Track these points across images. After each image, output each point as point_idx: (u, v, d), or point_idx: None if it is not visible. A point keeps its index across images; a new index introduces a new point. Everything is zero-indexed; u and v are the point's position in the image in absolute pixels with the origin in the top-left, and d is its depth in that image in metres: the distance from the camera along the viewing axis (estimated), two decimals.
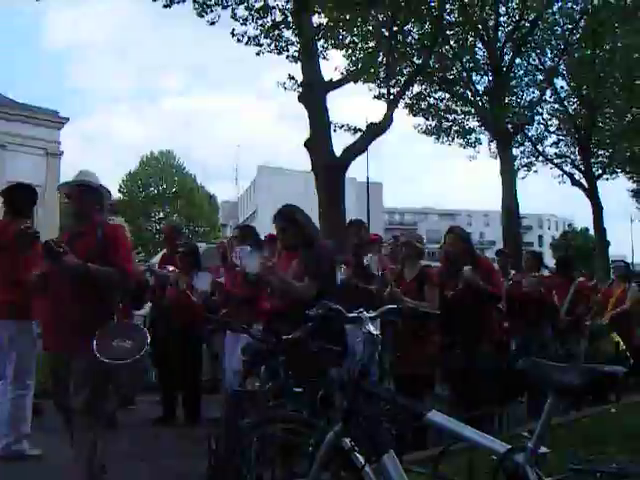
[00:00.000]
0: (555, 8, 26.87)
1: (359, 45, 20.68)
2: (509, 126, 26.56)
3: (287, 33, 18.25)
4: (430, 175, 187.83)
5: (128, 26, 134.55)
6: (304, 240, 6.20)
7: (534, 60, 29.10)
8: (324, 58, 18.67)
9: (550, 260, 35.03)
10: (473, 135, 29.48)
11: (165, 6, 16.90)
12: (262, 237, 9.28)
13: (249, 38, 18.29)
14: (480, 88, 27.18)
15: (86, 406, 5.08)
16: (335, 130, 17.96)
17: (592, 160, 32.39)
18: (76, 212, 5.53)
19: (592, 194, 31.31)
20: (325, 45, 19.02)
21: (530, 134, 31.04)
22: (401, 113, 28.21)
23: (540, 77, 29.22)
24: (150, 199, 65.45)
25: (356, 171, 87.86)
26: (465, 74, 26.70)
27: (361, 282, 8.07)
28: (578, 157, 32.41)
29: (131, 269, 5.76)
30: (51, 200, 30.86)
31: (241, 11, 17.87)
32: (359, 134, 17.92)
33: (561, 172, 32.67)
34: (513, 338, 10.13)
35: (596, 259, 32.74)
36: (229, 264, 8.45)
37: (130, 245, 6.25)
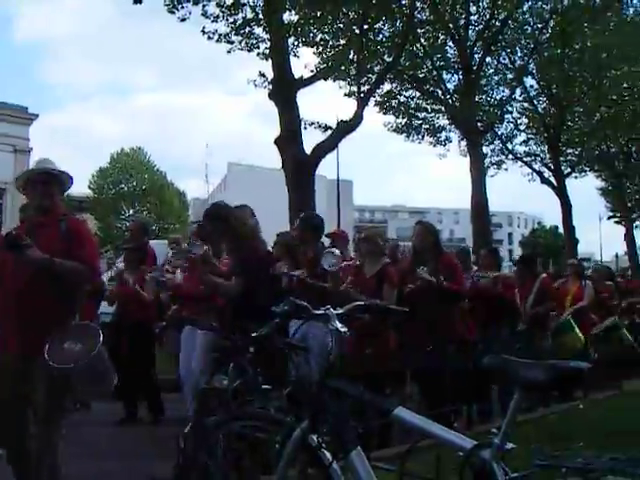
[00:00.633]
0: (525, 7, 27.13)
1: (330, 42, 20.71)
2: (479, 124, 26.73)
3: (258, 30, 18.26)
4: (400, 173, 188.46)
5: (99, 21, 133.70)
6: (233, 240, 6.18)
7: (504, 59, 29.33)
8: (295, 55, 18.67)
9: None
10: (443, 133, 29.72)
11: (136, 2, 16.77)
12: None
13: (220, 36, 18.24)
14: (450, 86, 27.40)
15: (44, 413, 4.76)
16: (305, 127, 17.94)
17: (561, 158, 32.65)
18: (38, 201, 5.10)
19: (561, 192, 31.53)
20: (296, 42, 18.97)
21: (500, 132, 31.27)
22: (371, 111, 28.30)
23: (510, 76, 29.45)
24: (120, 196, 65.03)
25: (326, 169, 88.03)
26: (435, 72, 26.83)
27: (315, 279, 7.86)
28: (547, 155, 32.66)
29: (97, 265, 5.41)
30: (20, 197, 30.50)
31: (212, 8, 17.86)
32: (329, 132, 17.92)
33: (530, 170, 32.93)
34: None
35: (565, 257, 32.99)
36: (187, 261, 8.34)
37: (95, 241, 5.97)
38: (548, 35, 28.13)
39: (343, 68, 20.69)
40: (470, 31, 26.13)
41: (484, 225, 25.25)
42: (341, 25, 20.37)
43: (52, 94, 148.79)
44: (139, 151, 68.09)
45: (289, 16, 18.07)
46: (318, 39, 20.40)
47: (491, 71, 29.48)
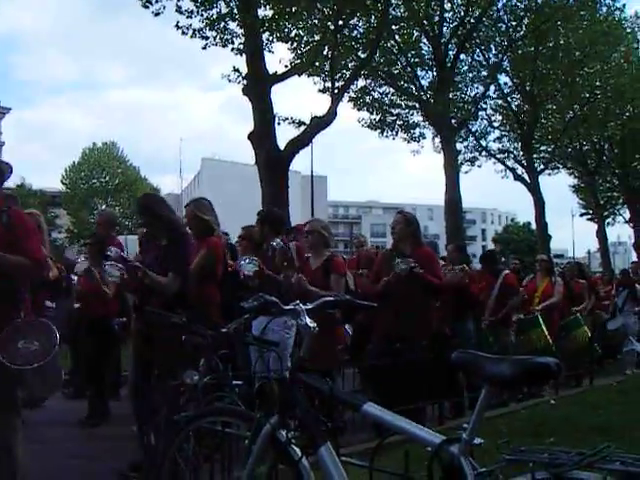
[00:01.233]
0: (499, 5, 27.29)
1: (304, 38, 20.66)
2: (453, 121, 26.84)
3: (232, 25, 18.17)
4: (374, 169, 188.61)
5: (71, 16, 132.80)
6: (168, 233, 6.13)
7: (478, 56, 29.52)
8: (269, 51, 18.60)
9: None
10: (417, 130, 29.75)
11: None
12: None
13: (194, 31, 18.14)
14: (424, 83, 27.55)
15: None
16: (279, 123, 17.95)
17: (534, 155, 32.87)
18: None
19: (534, 189, 31.69)
20: (270, 38, 18.92)
21: (474, 129, 31.47)
22: (346, 107, 28.31)
23: (484, 73, 29.66)
24: (93, 191, 64.77)
25: (300, 164, 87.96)
26: (410, 69, 26.94)
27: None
28: (520, 152, 32.82)
29: (43, 258, 5.11)
30: None
31: (186, 3, 17.74)
32: (303, 127, 17.91)
33: (504, 167, 33.11)
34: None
35: (538, 253, 33.17)
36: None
37: (40, 233, 5.74)
38: (522, 33, 28.32)
39: (317, 64, 20.69)
40: (444, 28, 26.22)
41: (457, 221, 25.38)
42: (316, 21, 20.36)
43: (23, 89, 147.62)
44: (112, 146, 67.87)
45: (264, 11, 18.03)
46: (293, 35, 20.33)
47: (465, 68, 29.70)
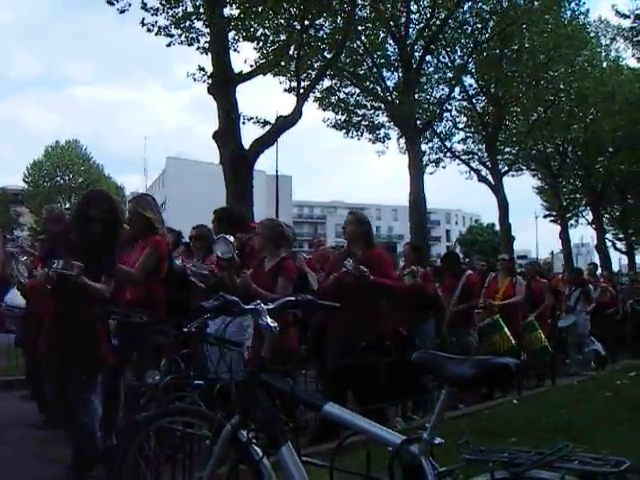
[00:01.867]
0: (465, 7, 27.46)
1: (270, 38, 20.60)
2: (418, 122, 26.93)
3: (198, 24, 18.11)
4: (339, 169, 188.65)
5: (37, 13, 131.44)
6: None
7: (444, 58, 29.72)
8: (235, 50, 18.54)
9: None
10: (382, 130, 29.85)
11: None
12: None
13: (159, 28, 18.04)
14: (390, 84, 27.61)
15: None
16: (244, 122, 17.87)
17: (498, 157, 33.05)
18: None
19: (498, 190, 31.88)
20: (236, 37, 18.87)
21: (439, 130, 31.59)
22: (311, 107, 28.31)
23: (449, 74, 29.85)
24: (56, 189, 64.25)
25: (265, 164, 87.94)
26: (375, 70, 27.01)
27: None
28: (485, 154, 33.00)
29: None
30: None
31: (152, 1, 17.65)
32: (268, 127, 17.87)
33: (468, 168, 33.30)
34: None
35: (501, 254, 33.36)
36: None
37: None
38: (487, 35, 28.57)
39: (283, 63, 20.65)
40: (410, 29, 26.38)
41: (422, 222, 25.48)
42: (282, 20, 20.30)
43: None
44: (75, 144, 67.38)
45: (230, 10, 17.97)
46: (258, 34, 20.25)
47: (431, 69, 29.88)
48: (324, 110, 28.69)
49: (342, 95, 28.56)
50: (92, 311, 5.54)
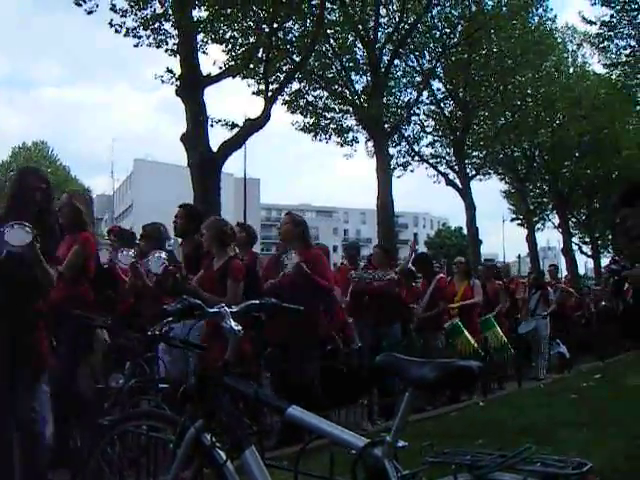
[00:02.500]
0: (434, 12, 27.64)
1: (239, 40, 20.55)
2: (386, 126, 27.00)
3: (167, 26, 18.01)
4: (307, 172, 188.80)
5: (3, 12, 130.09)
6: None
7: (412, 62, 29.88)
8: (203, 52, 18.51)
9: None
10: (350, 134, 29.75)
11: None
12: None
13: (127, 29, 17.93)
14: (358, 87, 27.68)
15: None
16: (212, 125, 17.81)
17: (466, 161, 33.16)
18: None
19: (465, 194, 32.01)
20: (205, 39, 18.83)
21: (407, 134, 31.62)
22: (279, 110, 28.26)
23: (418, 78, 29.98)
24: None
25: (233, 167, 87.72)
26: (344, 73, 27.04)
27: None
28: (453, 158, 33.11)
29: None
30: None
31: (120, 2, 17.54)
32: (236, 130, 17.83)
33: (436, 172, 33.30)
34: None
35: (469, 257, 33.53)
36: None
37: None
38: (455, 40, 28.79)
39: (252, 66, 20.61)
40: (379, 33, 26.44)
41: (390, 225, 25.52)
42: (251, 23, 20.27)
43: None
44: (42, 145, 66.87)
45: (198, 12, 17.93)
46: (227, 36, 20.23)
47: (399, 73, 29.96)
48: (292, 113, 28.62)
49: (310, 98, 28.49)
50: (37, 307, 5.23)
